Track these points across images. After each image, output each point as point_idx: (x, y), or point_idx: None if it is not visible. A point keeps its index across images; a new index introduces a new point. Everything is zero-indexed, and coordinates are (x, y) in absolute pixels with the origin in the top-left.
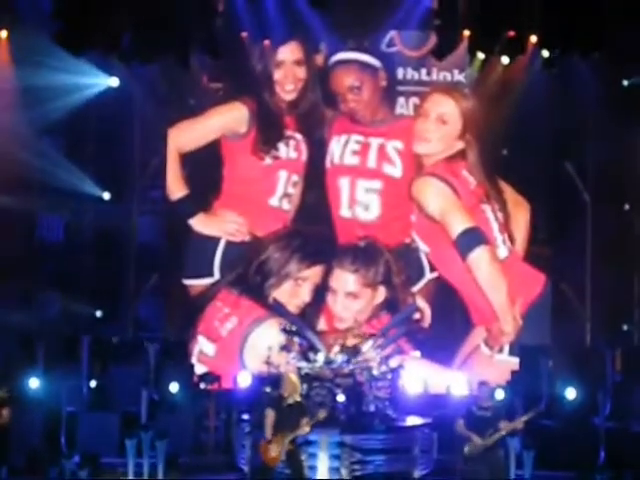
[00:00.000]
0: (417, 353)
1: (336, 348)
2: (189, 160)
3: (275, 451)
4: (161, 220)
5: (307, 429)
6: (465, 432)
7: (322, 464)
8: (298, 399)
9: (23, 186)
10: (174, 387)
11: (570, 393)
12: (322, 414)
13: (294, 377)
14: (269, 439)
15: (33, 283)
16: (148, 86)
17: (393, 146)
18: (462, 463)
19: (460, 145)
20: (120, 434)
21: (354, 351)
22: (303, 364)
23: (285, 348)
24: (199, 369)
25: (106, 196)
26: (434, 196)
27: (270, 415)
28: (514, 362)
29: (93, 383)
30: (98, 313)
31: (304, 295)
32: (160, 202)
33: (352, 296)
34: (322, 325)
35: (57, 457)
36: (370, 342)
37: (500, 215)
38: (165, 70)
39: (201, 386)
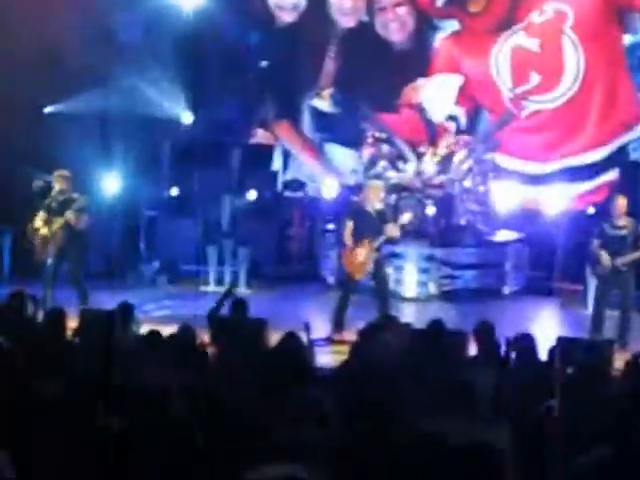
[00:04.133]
0: (513, 162)
1: (427, 158)
2: None
3: (362, 258)
4: (242, 17)
5: (396, 232)
6: (597, 251)
7: (410, 277)
8: (380, 206)
9: None
10: (255, 194)
11: None
12: (406, 217)
13: (377, 184)
14: (354, 246)
15: (111, 71)
16: None
17: None
18: (558, 281)
19: None
20: (201, 241)
21: (447, 161)
22: (392, 173)
23: (373, 159)
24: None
25: None
26: None
27: (349, 225)
28: None
29: (175, 190)
30: (187, 118)
31: None
32: None
33: None
34: None
35: (136, 262)
36: (464, 152)
37: None
38: None
39: (285, 194)
